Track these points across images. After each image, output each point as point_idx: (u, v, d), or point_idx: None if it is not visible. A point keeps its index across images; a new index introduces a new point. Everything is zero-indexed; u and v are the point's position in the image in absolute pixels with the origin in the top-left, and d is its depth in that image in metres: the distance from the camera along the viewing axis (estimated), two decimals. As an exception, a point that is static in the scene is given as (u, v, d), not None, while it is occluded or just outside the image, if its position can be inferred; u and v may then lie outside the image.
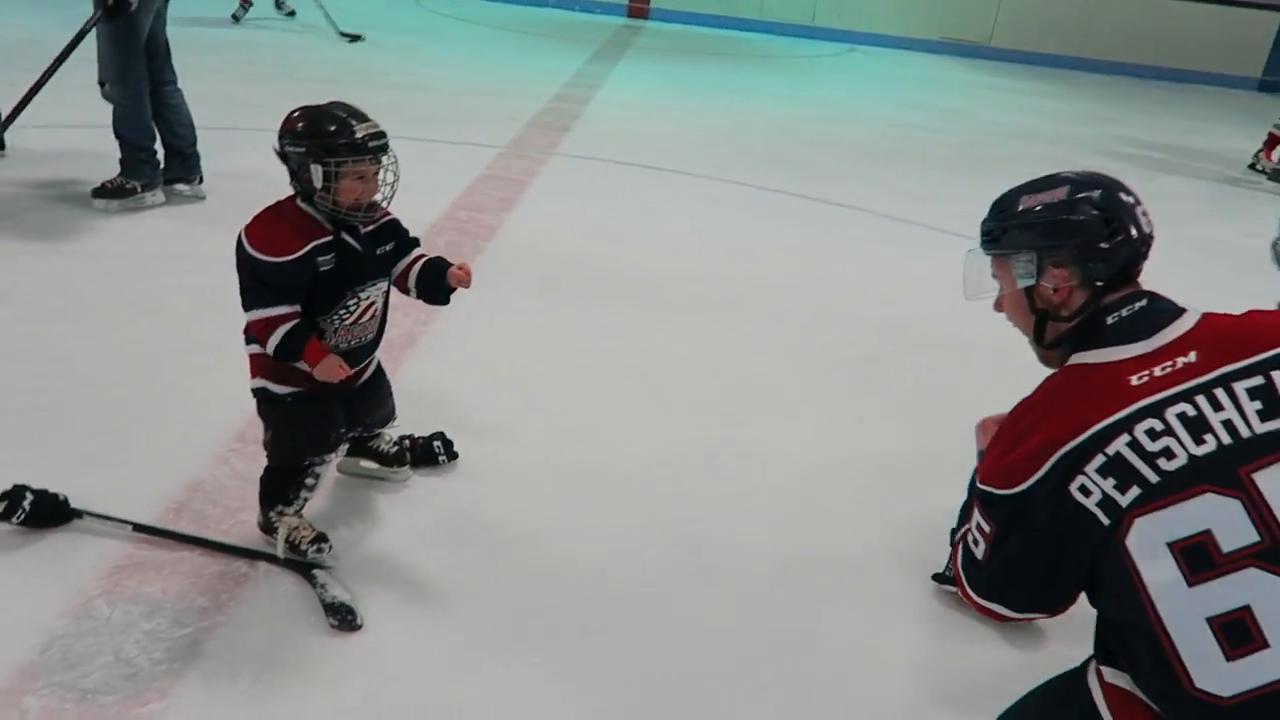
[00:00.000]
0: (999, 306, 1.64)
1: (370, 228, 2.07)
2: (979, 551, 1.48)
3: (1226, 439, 1.29)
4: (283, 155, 1.97)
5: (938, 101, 9.05)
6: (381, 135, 1.95)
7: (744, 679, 1.93)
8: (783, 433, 2.87)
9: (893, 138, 7.21)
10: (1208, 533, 1.26)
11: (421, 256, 2.19)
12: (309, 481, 2.12)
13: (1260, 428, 1.28)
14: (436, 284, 2.16)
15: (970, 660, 2.05)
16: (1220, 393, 1.31)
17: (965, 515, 1.76)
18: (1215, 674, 1.24)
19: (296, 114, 1.95)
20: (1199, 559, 1.26)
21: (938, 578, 2.22)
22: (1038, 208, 1.51)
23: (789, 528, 2.42)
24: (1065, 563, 1.39)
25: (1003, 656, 2.06)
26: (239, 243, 1.96)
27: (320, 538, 2.08)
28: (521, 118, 6.50)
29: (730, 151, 6.26)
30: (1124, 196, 1.49)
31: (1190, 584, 1.26)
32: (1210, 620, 1.24)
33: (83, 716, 1.67)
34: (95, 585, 1.96)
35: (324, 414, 2.10)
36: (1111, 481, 1.30)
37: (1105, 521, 1.31)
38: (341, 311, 2.04)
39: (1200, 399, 1.31)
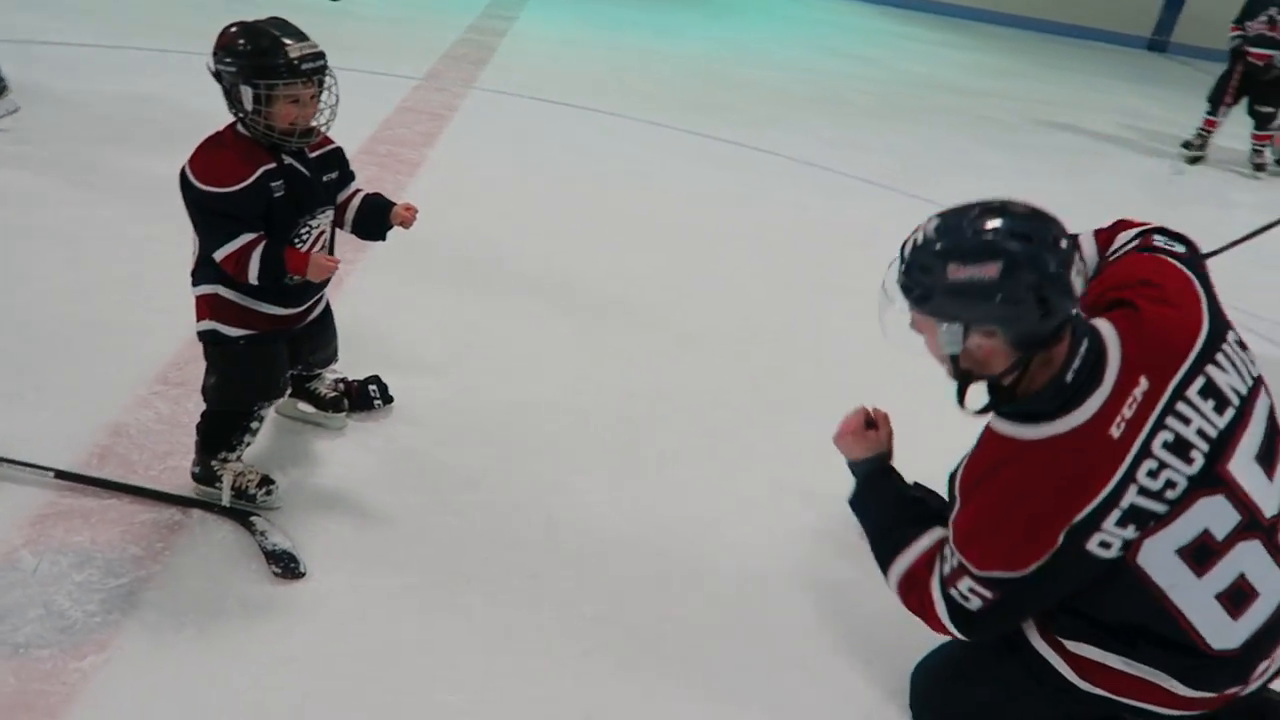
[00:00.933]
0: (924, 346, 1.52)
1: (317, 154, 2.00)
2: (972, 606, 1.48)
3: (1205, 447, 1.40)
4: (216, 74, 1.86)
5: (854, 49, 9.12)
6: (318, 56, 1.85)
7: (694, 619, 1.98)
8: (716, 372, 2.91)
9: (812, 83, 7.25)
10: (1205, 531, 1.40)
11: (359, 191, 2.12)
12: (254, 426, 2.06)
13: (1220, 422, 1.41)
14: (376, 221, 2.10)
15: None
16: (1182, 406, 1.39)
17: (882, 555, 1.66)
18: (1227, 634, 1.42)
19: (233, 29, 1.84)
20: (1202, 554, 1.40)
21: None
22: (966, 280, 1.34)
23: (727, 461, 2.47)
24: (1056, 598, 1.48)
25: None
26: (184, 179, 1.86)
27: (266, 480, 2.04)
28: (437, 49, 6.29)
29: (649, 91, 6.20)
30: (1055, 266, 1.32)
31: (1199, 576, 1.40)
32: (1218, 596, 1.41)
33: (17, 673, 1.60)
34: (18, 535, 1.87)
35: (273, 357, 2.04)
36: (1131, 528, 1.38)
37: (1116, 557, 1.40)
38: (295, 241, 1.97)
39: (1171, 420, 1.39)
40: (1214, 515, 1.40)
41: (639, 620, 1.94)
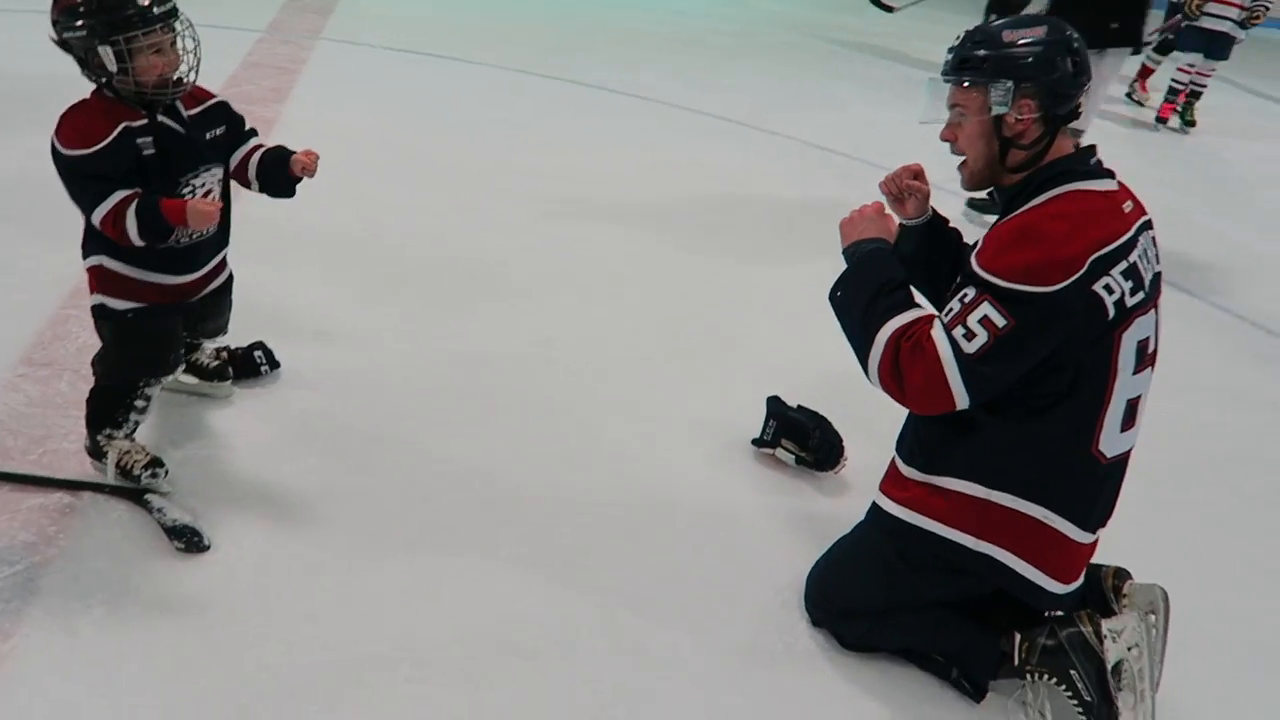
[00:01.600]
0: (948, 135, 1.73)
1: (196, 110, 1.92)
2: (974, 345, 1.55)
3: (1156, 267, 1.68)
4: (63, 43, 1.77)
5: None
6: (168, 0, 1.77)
7: (611, 551, 2.05)
8: (586, 319, 2.97)
9: (672, 25, 7.28)
10: (1148, 338, 1.66)
11: (259, 146, 2.05)
12: (139, 404, 1.99)
13: (1156, 267, 1.69)
14: (279, 175, 2.03)
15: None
16: (1146, 233, 1.68)
17: (873, 318, 1.69)
18: (1112, 441, 1.66)
19: None
20: (1140, 355, 1.65)
21: (756, 442, 2.42)
22: (1021, 42, 1.64)
23: (623, 398, 2.55)
24: (1046, 354, 1.59)
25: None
26: (52, 149, 1.77)
27: (155, 462, 1.97)
28: (277, -1, 5.99)
29: (506, 34, 6.11)
30: (1077, 41, 1.66)
31: (1134, 373, 1.64)
32: (1129, 401, 1.65)
33: (-85, 669, 1.54)
34: (-108, 532, 1.78)
35: (164, 330, 1.97)
36: (1130, 284, 1.59)
37: (1112, 314, 1.57)
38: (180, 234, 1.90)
39: (1144, 234, 1.66)
40: (1151, 328, 1.66)
41: (558, 557, 2.01)
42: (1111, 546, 1.82)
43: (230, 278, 2.16)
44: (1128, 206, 1.65)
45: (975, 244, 1.68)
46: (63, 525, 1.87)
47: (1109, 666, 1.63)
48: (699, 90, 5.56)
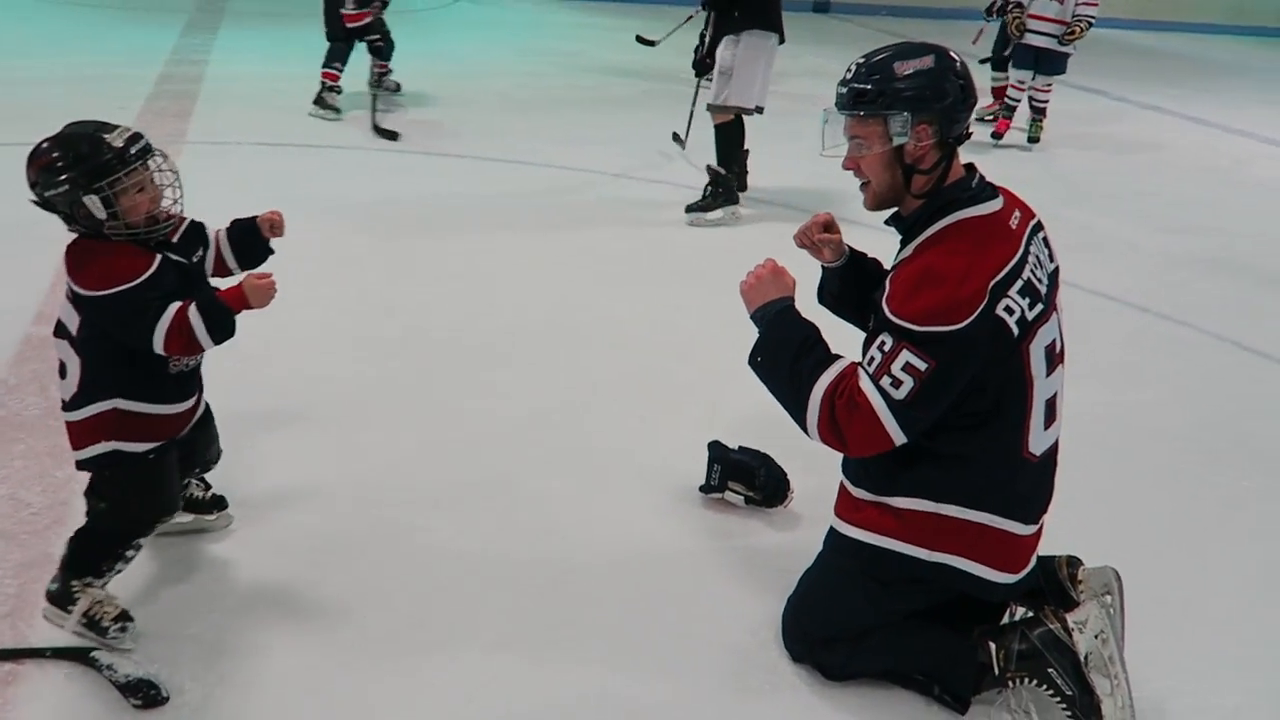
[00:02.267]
0: (850, 164, 1.82)
1: (178, 236, 1.89)
2: (902, 392, 1.64)
3: (1049, 266, 1.80)
4: (44, 202, 1.74)
5: (557, 45, 9.34)
6: (140, 136, 1.76)
7: (585, 618, 2.05)
8: (521, 384, 2.98)
9: (531, 86, 7.38)
10: (1054, 340, 1.77)
11: (216, 231, 2.02)
12: (130, 553, 1.91)
13: (1049, 266, 1.81)
14: (253, 243, 2.01)
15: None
16: (1036, 236, 1.79)
17: (801, 380, 1.76)
18: (1039, 440, 1.77)
19: (43, 149, 1.73)
20: (1049, 358, 1.76)
21: (704, 488, 2.47)
22: (913, 72, 1.71)
23: (570, 458, 2.56)
24: (969, 380, 1.67)
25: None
26: (82, 301, 1.75)
27: (123, 616, 1.88)
28: (132, 106, 5.79)
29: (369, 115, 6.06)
30: (962, 65, 1.76)
31: (1047, 376, 1.75)
32: (1047, 401, 1.77)
33: None
34: None
35: (172, 468, 1.93)
36: (1027, 300, 1.69)
37: (1016, 333, 1.67)
38: None
39: (1034, 239, 1.78)
40: (1056, 331, 1.78)
41: (537, 635, 1.99)
42: (1051, 539, 1.93)
43: (208, 404, 2.10)
44: (1015, 219, 1.76)
45: (884, 287, 1.75)
46: (7, 697, 1.74)
47: (1082, 658, 1.72)
48: (575, 146, 5.65)
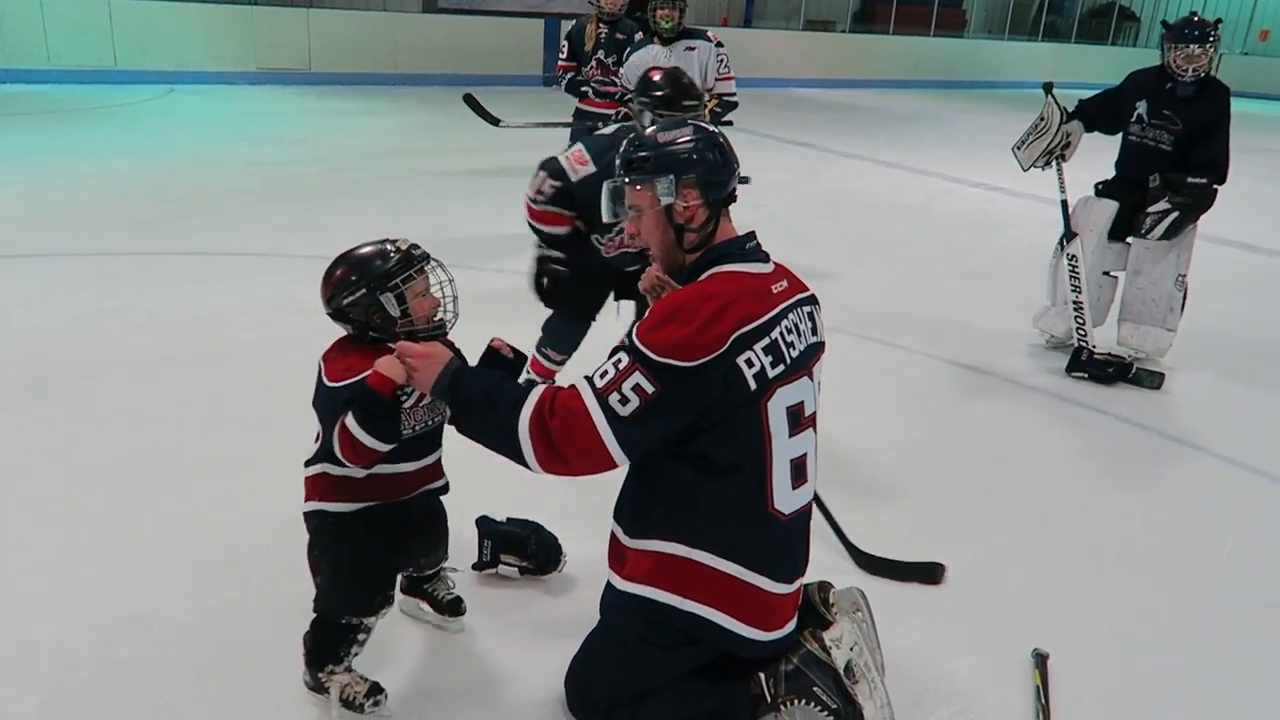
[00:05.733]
0: (632, 229, 1.98)
1: None
2: (627, 409, 1.73)
3: (810, 339, 1.90)
4: (341, 313, 1.91)
5: (284, 132, 9.05)
6: (418, 246, 1.93)
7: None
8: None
9: (261, 176, 7.10)
10: (801, 403, 1.86)
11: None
12: (361, 636, 1.99)
13: (811, 339, 1.91)
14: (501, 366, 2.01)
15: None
16: (801, 309, 1.90)
17: (504, 418, 1.79)
18: (785, 498, 1.84)
19: (338, 268, 1.91)
20: (794, 420, 1.84)
21: (477, 566, 2.44)
22: (673, 142, 1.90)
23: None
24: (690, 420, 1.75)
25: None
26: (331, 393, 1.85)
27: (374, 689, 1.99)
28: None
29: (84, 220, 5.61)
30: (722, 138, 1.95)
31: (790, 436, 1.84)
32: (792, 461, 1.85)
33: None
34: None
35: (385, 541, 1.97)
36: (770, 359, 1.78)
37: (753, 388, 1.76)
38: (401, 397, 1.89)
39: (797, 310, 1.88)
40: (806, 394, 1.87)
41: None
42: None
43: (445, 487, 2.12)
44: (779, 287, 1.89)
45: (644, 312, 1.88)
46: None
47: (841, 671, 1.85)
48: (305, 235, 5.50)
